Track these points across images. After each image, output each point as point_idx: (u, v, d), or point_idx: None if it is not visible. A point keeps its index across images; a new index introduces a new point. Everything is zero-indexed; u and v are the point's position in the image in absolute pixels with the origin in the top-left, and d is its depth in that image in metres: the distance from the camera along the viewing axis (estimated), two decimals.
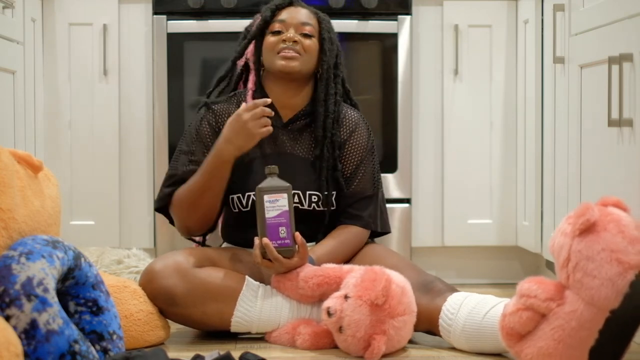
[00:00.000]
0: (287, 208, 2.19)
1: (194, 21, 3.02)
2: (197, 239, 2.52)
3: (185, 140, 2.43)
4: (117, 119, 3.04)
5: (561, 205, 2.62)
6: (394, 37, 3.03)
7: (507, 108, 3.08)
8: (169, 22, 3.00)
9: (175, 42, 3.00)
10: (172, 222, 2.46)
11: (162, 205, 2.41)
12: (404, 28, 3.03)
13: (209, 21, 3.02)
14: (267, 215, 2.18)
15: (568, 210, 2.52)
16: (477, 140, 3.08)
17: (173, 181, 2.40)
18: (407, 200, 3.06)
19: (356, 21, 3.01)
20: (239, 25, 2.94)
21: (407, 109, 3.04)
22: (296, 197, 2.34)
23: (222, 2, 2.99)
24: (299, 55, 2.35)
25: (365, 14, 3.03)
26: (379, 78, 3.04)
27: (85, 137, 3.03)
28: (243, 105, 2.28)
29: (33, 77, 2.85)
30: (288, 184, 2.21)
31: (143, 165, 3.05)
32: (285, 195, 2.19)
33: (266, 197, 2.18)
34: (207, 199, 2.32)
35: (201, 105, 2.45)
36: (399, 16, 3.03)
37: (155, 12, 3.01)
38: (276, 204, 2.18)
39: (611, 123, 2.10)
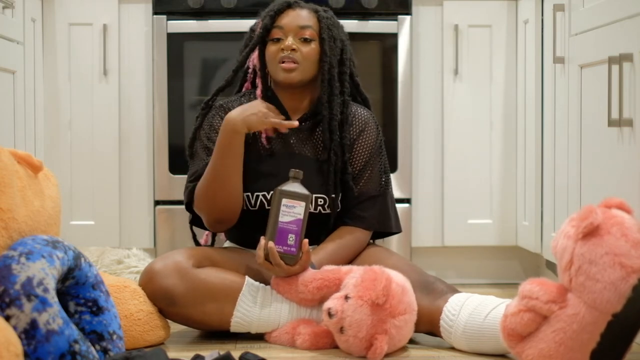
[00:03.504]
0: (301, 217, 2.17)
1: (194, 21, 3.02)
2: (202, 240, 2.52)
3: (199, 139, 2.41)
4: (117, 119, 3.04)
5: (561, 205, 2.62)
6: (394, 37, 3.03)
7: (507, 108, 3.08)
8: (169, 22, 3.00)
9: (175, 42, 3.01)
10: (201, 225, 2.44)
11: (190, 201, 2.37)
12: (404, 28, 3.03)
13: (209, 21, 3.02)
14: (280, 219, 2.17)
15: (568, 210, 2.52)
16: (477, 140, 3.08)
17: (195, 177, 2.37)
18: (407, 200, 3.06)
19: (356, 21, 3.02)
20: (239, 25, 2.95)
21: (407, 109, 3.04)
22: None
23: (222, 2, 2.99)
24: (297, 64, 2.34)
25: (365, 14, 3.03)
26: (379, 78, 3.04)
27: (85, 137, 3.03)
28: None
29: (33, 77, 2.85)
30: (309, 193, 2.19)
31: (143, 165, 3.05)
32: (304, 204, 2.17)
33: (284, 201, 2.17)
34: (228, 181, 2.28)
35: (204, 107, 2.43)
36: (399, 16, 3.03)
37: (155, 12, 3.01)
38: (292, 210, 2.17)
39: (611, 123, 2.10)
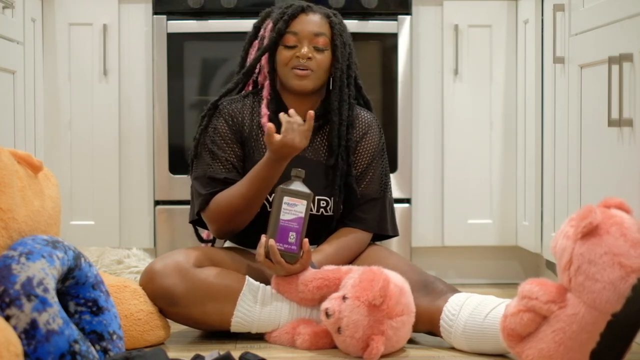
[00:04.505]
0: (303, 215, 2.18)
1: (194, 21, 3.02)
2: (204, 236, 2.52)
3: (203, 143, 2.39)
4: (117, 119, 3.04)
5: (561, 205, 2.62)
6: (394, 37, 3.03)
7: (507, 108, 3.08)
8: (169, 22, 3.00)
9: (175, 42, 3.01)
10: (203, 226, 2.44)
11: (201, 209, 2.35)
12: (404, 28, 3.03)
13: (209, 21, 3.02)
14: (281, 217, 2.17)
15: (568, 210, 2.52)
16: (477, 140, 3.08)
17: (205, 182, 2.35)
18: (407, 200, 3.06)
19: (356, 21, 3.02)
20: (239, 25, 2.95)
21: (407, 109, 3.04)
22: None
23: (222, 2, 2.99)
24: (311, 72, 2.35)
25: (365, 14, 3.03)
26: (379, 78, 3.04)
27: (85, 137, 3.03)
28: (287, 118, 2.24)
29: (33, 77, 2.85)
30: (310, 192, 2.19)
31: (143, 165, 3.05)
32: (305, 202, 2.18)
33: (286, 199, 2.17)
34: (256, 205, 2.29)
35: (211, 107, 2.42)
36: (399, 16, 3.03)
37: (155, 12, 3.01)
38: (294, 209, 2.18)
39: (611, 123, 2.10)
